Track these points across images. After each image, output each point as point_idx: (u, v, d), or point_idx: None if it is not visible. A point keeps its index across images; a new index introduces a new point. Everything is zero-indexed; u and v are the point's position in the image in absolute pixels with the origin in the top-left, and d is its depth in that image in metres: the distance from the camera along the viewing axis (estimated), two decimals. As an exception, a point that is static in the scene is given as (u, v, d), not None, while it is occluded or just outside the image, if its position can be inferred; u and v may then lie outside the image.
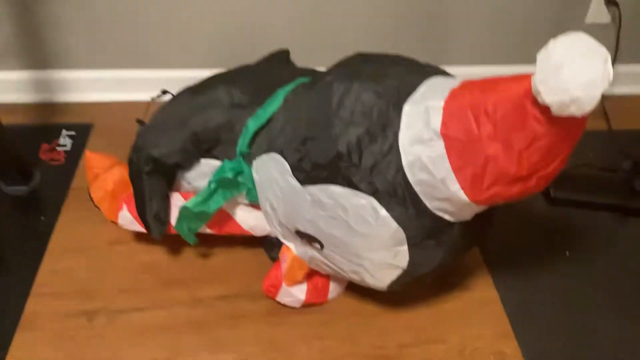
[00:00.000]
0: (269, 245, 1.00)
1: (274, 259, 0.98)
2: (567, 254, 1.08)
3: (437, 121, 0.69)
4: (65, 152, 1.24)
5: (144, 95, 1.36)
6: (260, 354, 0.89)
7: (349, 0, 1.31)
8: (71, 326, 0.91)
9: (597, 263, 1.06)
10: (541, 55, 0.59)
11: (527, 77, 0.62)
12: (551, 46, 0.59)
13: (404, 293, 0.92)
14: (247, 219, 0.96)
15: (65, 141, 1.27)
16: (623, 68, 1.47)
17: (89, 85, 1.38)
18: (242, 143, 0.88)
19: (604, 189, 1.18)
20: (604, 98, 1.43)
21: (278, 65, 1.10)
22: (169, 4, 1.28)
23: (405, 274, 0.81)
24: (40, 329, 0.91)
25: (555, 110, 0.59)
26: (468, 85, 0.70)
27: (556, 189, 1.16)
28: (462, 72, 1.40)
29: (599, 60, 0.57)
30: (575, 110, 0.58)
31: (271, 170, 0.83)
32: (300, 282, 0.93)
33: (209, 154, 0.92)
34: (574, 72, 0.57)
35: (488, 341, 0.93)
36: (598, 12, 1.38)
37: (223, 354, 0.89)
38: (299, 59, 1.32)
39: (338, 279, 0.95)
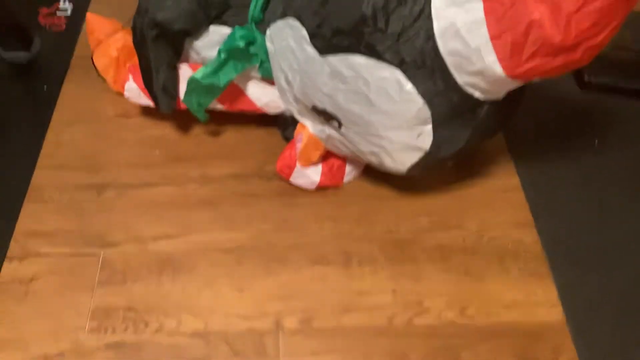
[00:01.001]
0: (283, 123, 0.95)
1: (288, 138, 0.93)
2: (596, 143, 1.02)
3: None
4: (66, 17, 1.16)
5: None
6: (272, 232, 0.88)
7: None
8: (80, 198, 0.90)
9: (625, 153, 1.01)
10: None
11: None
12: None
13: (422, 177, 0.89)
14: (261, 95, 0.90)
15: (65, 5, 1.19)
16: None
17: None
18: (255, 7, 0.80)
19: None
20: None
21: None
22: None
23: (427, 156, 0.76)
24: (48, 200, 0.89)
25: None
26: None
27: (590, 72, 1.08)
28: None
29: None
30: None
31: (287, 38, 0.76)
32: (315, 163, 0.89)
33: (218, 20, 0.84)
34: None
35: (507, 229, 0.90)
36: None
37: (235, 232, 0.87)
38: None
39: (354, 161, 0.91)
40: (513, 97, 0.75)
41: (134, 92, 0.93)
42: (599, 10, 0.56)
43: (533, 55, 0.61)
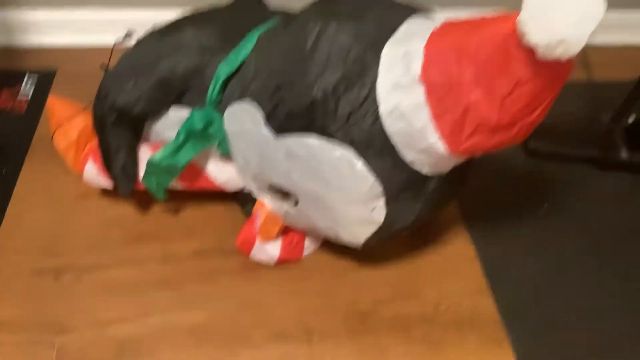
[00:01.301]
0: (243, 199, 0.97)
1: (248, 214, 0.95)
2: (545, 207, 1.07)
3: (417, 65, 0.65)
4: (27, 99, 1.18)
5: (110, 38, 1.29)
6: (234, 309, 0.87)
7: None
8: (37, 284, 0.88)
9: (574, 215, 1.06)
10: None
11: (512, 17, 0.59)
12: None
13: (379, 248, 0.91)
14: (219, 174, 0.92)
15: (27, 88, 1.20)
16: (608, 15, 1.43)
17: (53, 27, 1.29)
18: (213, 90, 0.83)
19: (583, 140, 1.16)
20: (586, 47, 1.41)
21: (250, 6, 1.04)
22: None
23: (382, 229, 0.79)
24: (3, 286, 0.87)
25: (541, 51, 0.56)
26: (450, 26, 0.66)
27: (534, 140, 1.15)
28: (444, 16, 1.37)
29: None
30: (563, 52, 0.55)
31: (244, 121, 0.79)
32: (274, 238, 0.90)
33: (178, 102, 0.87)
34: (562, 10, 0.54)
35: (464, 297, 0.92)
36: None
37: (195, 311, 0.87)
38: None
39: (313, 235, 0.93)
40: (460, 169, 0.79)
41: (93, 174, 0.94)
42: (530, 92, 0.61)
43: (472, 134, 0.65)
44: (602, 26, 1.47)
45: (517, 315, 0.90)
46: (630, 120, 1.15)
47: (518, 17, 0.57)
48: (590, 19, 0.54)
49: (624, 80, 1.14)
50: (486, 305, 0.91)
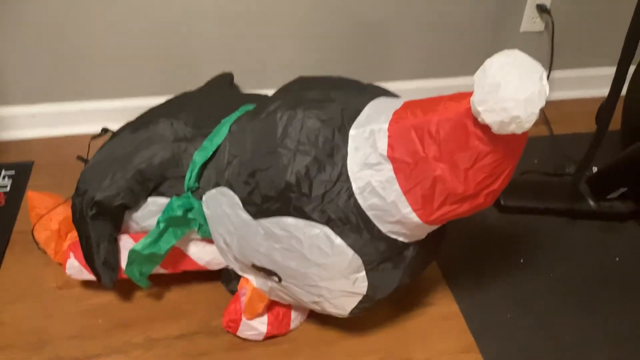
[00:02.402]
0: (227, 277, 0.98)
1: (233, 291, 0.95)
2: (522, 261, 1.10)
3: (383, 144, 0.69)
4: (5, 193, 1.19)
5: (86, 128, 1.33)
6: (224, 392, 0.87)
7: (288, 21, 1.31)
8: (22, 381, 0.87)
9: (550, 266, 1.09)
10: (478, 75, 0.60)
11: (466, 97, 0.63)
12: (487, 65, 0.59)
13: (366, 314, 0.91)
14: (202, 254, 0.93)
15: (4, 182, 1.21)
16: (559, 73, 1.52)
17: (27, 121, 1.33)
18: (190, 178, 0.86)
19: (551, 193, 1.21)
20: (544, 105, 1.48)
21: (221, 91, 1.08)
22: (104, 33, 1.25)
23: (365, 299, 0.80)
24: (-13, 387, 0.86)
25: (495, 129, 0.60)
26: (410, 106, 0.70)
27: (506, 197, 1.19)
28: (404, 87, 1.44)
29: (535, 77, 0.58)
30: (515, 129, 0.59)
31: (222, 205, 0.82)
32: (260, 315, 0.91)
33: (156, 191, 0.89)
34: (511, 91, 0.58)
35: (452, 356, 0.93)
36: (531, 21, 1.43)
37: (185, 397, 0.86)
38: (242, 82, 1.31)
39: (299, 307, 0.94)
40: (436, 234, 0.81)
41: (76, 269, 0.94)
42: (490, 164, 0.65)
43: (442, 204, 0.69)
44: (557, 84, 1.57)
45: (506, 371, 0.91)
46: (594, 170, 1.20)
47: (470, 99, 0.61)
48: (537, 97, 0.58)
49: (582, 131, 1.20)
50: (475, 362, 0.92)
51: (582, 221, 1.18)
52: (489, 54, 0.61)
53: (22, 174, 1.23)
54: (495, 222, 1.18)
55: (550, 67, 1.46)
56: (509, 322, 0.99)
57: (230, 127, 0.85)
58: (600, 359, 0.93)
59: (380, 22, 1.35)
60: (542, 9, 1.40)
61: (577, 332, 0.97)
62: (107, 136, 1.00)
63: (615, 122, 1.18)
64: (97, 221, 0.88)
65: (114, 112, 1.33)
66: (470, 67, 0.61)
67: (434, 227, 0.77)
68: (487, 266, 1.08)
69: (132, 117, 1.00)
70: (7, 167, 1.25)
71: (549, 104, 1.51)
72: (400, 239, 0.76)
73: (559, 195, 1.20)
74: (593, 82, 1.51)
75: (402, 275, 0.81)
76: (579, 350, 0.95)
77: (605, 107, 1.05)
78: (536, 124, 1.40)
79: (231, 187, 0.79)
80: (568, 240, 1.14)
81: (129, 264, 0.88)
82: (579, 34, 1.48)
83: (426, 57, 1.43)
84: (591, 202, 1.17)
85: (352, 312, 0.83)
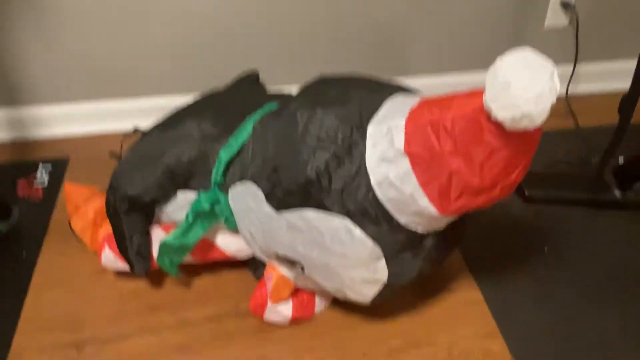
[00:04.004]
0: (254, 264, 1.01)
1: (259, 278, 0.99)
2: (545, 250, 1.10)
3: (400, 140, 0.71)
4: (43, 187, 1.24)
5: (118, 126, 1.38)
6: (252, 371, 0.90)
7: (311, 20, 1.34)
8: (60, 358, 0.91)
9: (574, 256, 1.09)
10: (489, 74, 0.61)
11: (480, 93, 0.64)
12: (498, 64, 0.61)
13: (388, 301, 0.94)
14: (230, 245, 0.97)
15: (42, 177, 1.27)
16: (585, 67, 1.51)
17: (62, 120, 1.39)
18: (216, 173, 0.89)
19: (576, 184, 1.21)
20: (570, 98, 1.49)
21: (246, 90, 1.11)
22: (135, 32, 1.29)
23: (387, 287, 0.83)
24: (28, 363, 0.90)
25: (508, 125, 0.62)
26: (426, 103, 0.72)
27: (530, 187, 1.19)
28: (426, 82, 1.46)
29: (545, 74, 0.59)
30: (528, 124, 0.61)
31: (246, 199, 0.85)
32: (285, 300, 0.94)
33: (184, 186, 0.93)
34: (521, 88, 0.59)
35: (475, 341, 0.95)
36: (555, 16, 1.43)
37: (214, 374, 0.89)
38: (267, 79, 1.34)
39: (323, 293, 0.96)
40: (456, 224, 0.83)
41: (111, 260, 0.99)
42: (505, 158, 0.67)
43: (459, 196, 0.71)
44: (583, 78, 1.56)
45: (527, 355, 0.92)
46: (620, 161, 1.20)
47: (483, 96, 0.62)
48: (548, 93, 0.59)
49: (607, 124, 1.19)
50: (497, 347, 0.94)
51: (607, 211, 1.18)
52: (513, 49, 0.63)
53: (58, 169, 1.29)
54: (519, 212, 1.18)
55: (575, 62, 1.45)
56: (531, 309, 1.00)
57: (254, 125, 0.88)
58: (622, 347, 0.94)
59: (402, 19, 1.36)
60: (566, 6, 1.40)
61: (598, 323, 0.98)
62: (138, 135, 1.04)
63: (641, 114, 1.18)
64: (130, 215, 0.93)
65: (145, 109, 1.38)
66: (494, 60, 0.63)
67: (452, 218, 0.79)
68: (510, 255, 1.09)
69: (162, 114, 1.04)
70: (45, 162, 1.31)
71: (575, 97, 1.51)
72: (419, 229, 0.78)
73: (584, 186, 1.20)
74: (618, 75, 1.49)
75: (422, 264, 0.84)
76: (601, 338, 0.95)
77: (628, 98, 1.05)
78: (562, 117, 1.43)
79: (255, 182, 0.82)
80: (593, 231, 1.14)
81: (160, 255, 0.92)
82: (603, 28, 1.47)
83: (447, 51, 1.44)
84: (616, 192, 1.16)
85: (373, 299, 0.86)
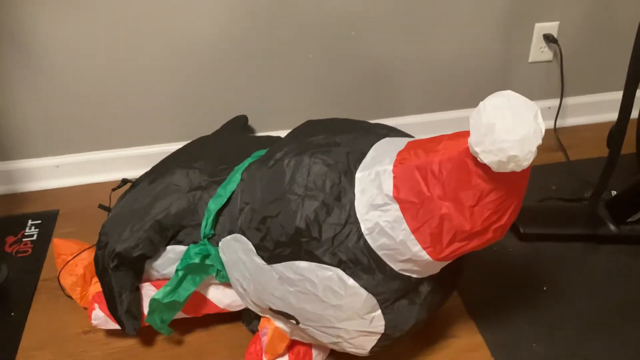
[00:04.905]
0: (248, 318, 0.99)
1: (254, 331, 0.96)
2: (545, 289, 1.08)
3: (388, 185, 0.70)
4: (32, 241, 1.22)
5: (108, 176, 1.37)
6: None
7: (299, 64, 1.34)
8: None
9: (574, 293, 1.07)
10: (473, 117, 0.61)
11: (465, 135, 0.64)
12: (481, 107, 0.60)
13: (388, 350, 0.91)
14: (222, 297, 0.95)
15: (31, 231, 1.25)
16: (571, 100, 1.53)
17: (51, 172, 1.38)
18: (206, 225, 0.88)
19: (570, 219, 1.20)
20: (559, 131, 1.49)
21: (235, 136, 1.11)
22: (122, 84, 1.29)
23: (384, 337, 0.81)
24: None
25: (495, 169, 0.61)
26: (413, 146, 0.72)
27: (525, 225, 1.18)
28: (415, 121, 1.46)
29: (529, 116, 0.59)
30: (514, 167, 0.60)
31: (237, 251, 0.83)
32: (281, 355, 0.91)
33: (174, 240, 0.92)
34: (506, 131, 0.58)
35: (480, 389, 0.92)
36: (539, 51, 1.44)
37: None
38: (257, 124, 1.34)
39: (320, 345, 0.94)
40: (452, 267, 0.81)
41: (101, 319, 0.96)
42: (494, 201, 0.66)
43: (451, 241, 0.69)
44: (570, 110, 1.57)
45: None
46: (613, 193, 1.20)
47: (468, 140, 0.62)
48: (533, 136, 0.59)
49: (598, 156, 1.20)
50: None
51: (604, 246, 1.16)
52: (499, 85, 0.63)
53: (47, 222, 1.28)
54: (516, 251, 1.17)
55: (561, 95, 1.47)
56: (534, 352, 0.97)
57: (242, 174, 0.87)
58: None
59: (388, 60, 1.38)
60: (549, 39, 1.42)
61: (602, 357, 0.95)
62: (126, 186, 1.03)
63: (631, 145, 1.18)
64: (119, 272, 0.91)
65: (133, 159, 1.37)
66: (482, 98, 0.63)
67: (447, 263, 0.77)
68: (510, 296, 1.07)
69: (151, 163, 1.04)
70: (34, 216, 1.30)
71: (564, 130, 1.51)
72: (414, 275, 0.77)
73: (579, 221, 1.18)
74: (606, 107, 1.51)
75: (420, 311, 0.81)
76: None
77: (615, 131, 1.05)
78: (552, 150, 1.43)
79: (244, 234, 0.81)
80: (591, 266, 1.13)
81: (150, 312, 0.90)
82: (587, 60, 1.49)
83: (436, 90, 1.45)
84: (612, 226, 1.15)
85: (371, 350, 0.83)
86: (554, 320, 1.02)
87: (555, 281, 1.10)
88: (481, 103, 0.61)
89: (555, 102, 1.49)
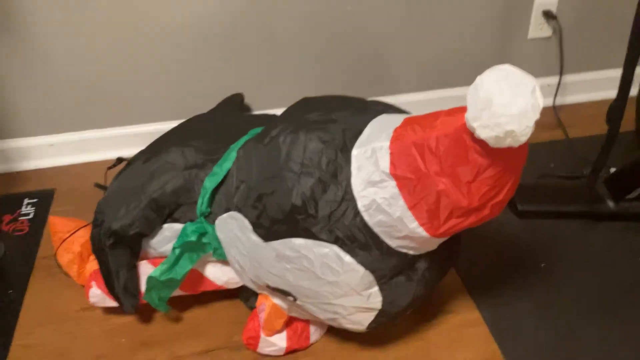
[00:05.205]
0: (245, 294, 0.99)
1: (252, 308, 0.96)
2: (542, 266, 1.08)
3: (385, 162, 0.70)
4: (29, 220, 1.22)
5: (103, 155, 1.37)
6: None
7: (296, 42, 1.33)
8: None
9: (572, 270, 1.07)
10: (470, 92, 0.60)
11: (462, 111, 0.63)
12: (478, 82, 0.60)
13: (387, 326, 0.91)
14: (220, 275, 0.95)
15: (27, 209, 1.25)
16: (571, 77, 1.51)
17: (47, 151, 1.37)
18: (202, 203, 0.87)
19: (569, 197, 1.19)
20: (558, 108, 1.49)
21: (231, 115, 1.10)
22: (117, 60, 1.28)
23: (382, 313, 0.81)
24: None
25: (492, 144, 0.60)
26: (410, 123, 0.71)
27: (522, 202, 1.18)
28: (412, 99, 1.45)
29: (527, 90, 0.58)
30: (512, 142, 0.59)
31: (233, 229, 0.83)
32: (279, 331, 0.92)
33: (170, 218, 0.91)
34: (503, 106, 0.58)
35: (477, 363, 0.92)
36: (539, 27, 1.43)
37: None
38: (253, 102, 1.33)
39: (318, 321, 0.94)
40: (449, 243, 0.81)
41: (99, 297, 0.96)
42: (492, 177, 0.65)
43: (448, 218, 0.69)
44: (570, 88, 1.56)
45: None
46: (611, 171, 1.19)
47: (465, 116, 0.61)
48: (530, 110, 0.58)
49: (597, 134, 1.19)
50: (501, 372, 0.91)
51: (603, 223, 1.16)
52: (498, 62, 0.62)
53: (44, 201, 1.27)
54: (514, 228, 1.17)
55: (561, 72, 1.45)
56: (532, 328, 0.98)
57: (237, 152, 0.86)
58: (626, 360, 0.92)
59: (385, 37, 1.36)
60: (548, 15, 1.40)
61: (601, 338, 0.96)
62: (122, 165, 1.02)
63: (630, 123, 1.17)
64: (115, 250, 0.90)
65: (129, 138, 1.37)
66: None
67: (444, 239, 0.77)
68: (507, 272, 1.07)
69: (147, 142, 1.03)
70: (30, 195, 1.29)
71: (564, 107, 1.50)
72: (411, 252, 0.77)
73: (577, 198, 1.18)
74: (605, 84, 1.50)
75: (417, 288, 0.82)
76: (604, 353, 0.93)
77: (615, 108, 1.04)
78: (551, 128, 1.42)
79: (240, 212, 0.81)
80: (589, 243, 1.13)
81: (147, 290, 0.90)
82: (587, 37, 1.47)
83: (434, 68, 1.44)
84: (610, 203, 1.15)
85: (369, 326, 0.84)
86: (551, 297, 1.03)
87: (553, 258, 1.10)
88: (478, 77, 0.60)
89: (554, 80, 1.47)
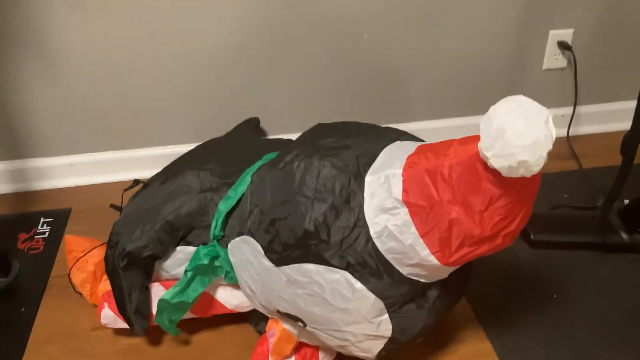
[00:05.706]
0: (255, 318, 0.99)
1: (261, 332, 0.96)
2: (555, 297, 1.07)
3: (398, 189, 0.70)
4: (44, 239, 1.24)
5: (120, 176, 1.39)
6: None
7: (312, 68, 1.35)
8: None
9: (584, 302, 1.06)
10: (483, 122, 0.61)
11: (476, 140, 0.64)
12: (492, 112, 0.60)
13: (396, 354, 0.91)
14: (230, 298, 0.95)
15: (43, 228, 1.27)
16: (585, 109, 1.52)
17: (65, 171, 1.40)
18: (215, 226, 0.88)
19: (582, 227, 1.18)
20: (572, 139, 1.48)
21: (247, 139, 1.11)
22: (136, 84, 1.30)
23: (392, 341, 0.80)
24: None
25: (505, 173, 0.61)
26: (423, 150, 0.72)
27: (536, 232, 1.17)
28: (426, 127, 1.46)
29: (540, 121, 0.59)
30: (524, 172, 0.60)
31: (245, 253, 0.84)
32: (288, 357, 0.91)
33: (184, 240, 0.92)
34: (517, 136, 0.58)
35: (488, 396, 0.91)
36: (554, 58, 1.44)
37: None
38: (268, 127, 1.35)
39: (327, 348, 0.93)
40: (460, 272, 0.81)
41: (111, 318, 0.97)
42: (504, 206, 0.65)
43: (460, 246, 0.69)
44: (584, 118, 1.55)
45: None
46: (625, 202, 1.19)
47: (478, 145, 0.62)
48: (543, 141, 0.58)
49: (610, 165, 1.19)
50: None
51: (615, 254, 1.15)
52: (512, 93, 0.62)
53: (60, 220, 1.29)
54: (527, 258, 1.16)
55: (575, 103, 1.46)
56: (543, 359, 0.96)
57: (252, 176, 0.87)
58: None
59: (401, 64, 1.38)
60: (563, 46, 1.41)
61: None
62: (138, 187, 1.03)
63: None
64: (129, 271, 0.91)
65: (146, 160, 1.38)
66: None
67: (455, 268, 0.77)
68: (519, 302, 1.06)
69: (163, 164, 1.05)
70: (46, 214, 1.31)
71: (577, 138, 1.50)
72: (422, 280, 0.76)
73: (590, 229, 1.17)
74: (620, 116, 1.50)
75: (427, 316, 0.81)
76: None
77: (629, 139, 1.04)
78: (565, 158, 1.42)
79: (253, 236, 0.81)
80: (601, 275, 1.11)
81: (158, 312, 0.90)
82: (601, 68, 1.48)
83: (448, 96, 1.45)
84: (623, 235, 1.14)
85: (379, 354, 0.83)
86: (563, 328, 1.01)
87: (566, 289, 1.09)
88: (492, 107, 0.61)
89: (568, 110, 1.48)
